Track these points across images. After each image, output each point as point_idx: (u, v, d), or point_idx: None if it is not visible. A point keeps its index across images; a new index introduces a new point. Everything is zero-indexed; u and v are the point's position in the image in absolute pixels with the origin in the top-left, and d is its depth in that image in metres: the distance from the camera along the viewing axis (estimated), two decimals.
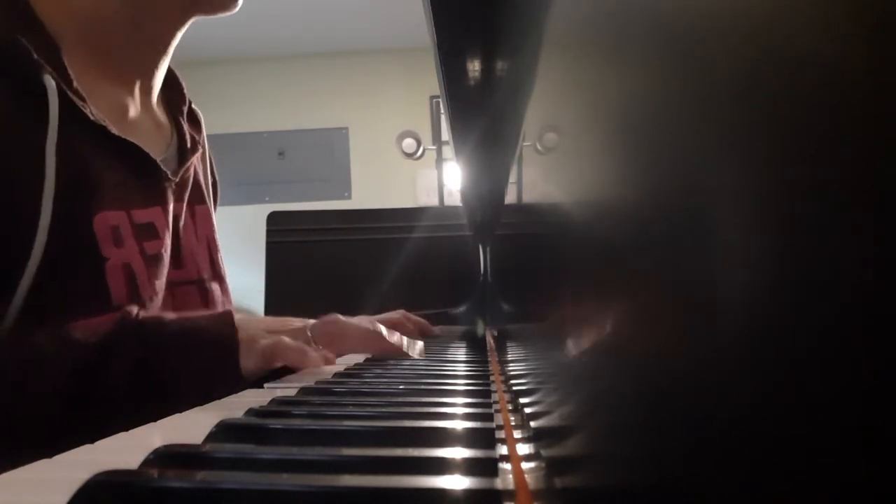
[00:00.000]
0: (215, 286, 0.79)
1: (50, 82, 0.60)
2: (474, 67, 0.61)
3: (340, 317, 0.69)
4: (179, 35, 0.75)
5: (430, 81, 0.92)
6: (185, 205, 0.76)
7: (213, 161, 0.94)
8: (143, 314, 0.60)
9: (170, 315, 0.62)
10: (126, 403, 0.55)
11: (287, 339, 0.62)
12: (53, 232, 0.58)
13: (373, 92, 3.95)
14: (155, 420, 0.42)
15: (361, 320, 0.96)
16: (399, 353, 0.74)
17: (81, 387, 0.55)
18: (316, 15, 3.48)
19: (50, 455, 0.32)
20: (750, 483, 0.09)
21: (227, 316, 0.62)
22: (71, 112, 0.62)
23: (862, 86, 0.06)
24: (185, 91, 0.84)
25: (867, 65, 0.06)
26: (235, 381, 0.58)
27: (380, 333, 0.70)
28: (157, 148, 0.75)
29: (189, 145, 0.79)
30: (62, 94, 0.61)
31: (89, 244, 0.62)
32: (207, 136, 0.90)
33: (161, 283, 0.69)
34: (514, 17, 0.47)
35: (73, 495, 0.24)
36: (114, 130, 0.65)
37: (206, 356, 0.59)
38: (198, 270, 0.77)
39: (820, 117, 0.07)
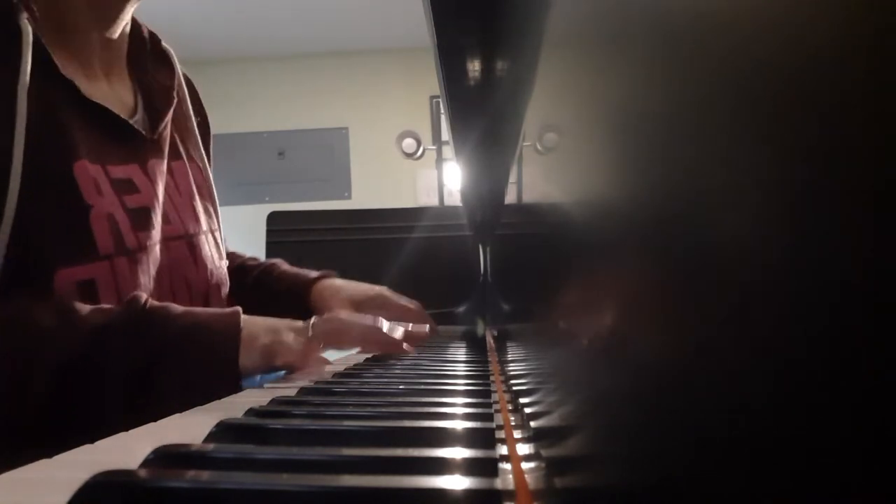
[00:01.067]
0: (203, 240, 0.79)
1: (26, 25, 0.59)
2: (474, 67, 0.61)
3: (342, 313, 0.69)
4: (131, 7, 0.72)
5: (430, 81, 0.93)
6: (165, 161, 0.75)
7: (200, 99, 0.90)
8: (151, 303, 0.60)
9: (177, 308, 0.61)
10: (122, 391, 0.55)
11: (287, 339, 0.61)
12: (29, 177, 0.57)
13: (373, 92, 3.95)
14: (153, 418, 0.42)
15: (382, 293, 0.95)
16: (399, 350, 0.74)
17: (80, 370, 0.54)
18: (316, 15, 3.48)
19: (49, 455, 0.32)
20: (750, 483, 0.09)
21: (234, 316, 0.62)
22: (44, 63, 0.61)
23: (862, 86, 0.06)
24: (146, 33, 0.80)
25: (867, 65, 0.06)
26: (234, 381, 0.58)
27: (380, 330, 0.70)
28: (126, 111, 0.73)
29: (161, 100, 0.77)
30: (37, 42, 0.60)
31: (71, 191, 0.61)
32: None
33: (149, 237, 0.68)
34: (514, 17, 0.47)
35: (73, 495, 0.24)
36: (83, 91, 0.65)
37: (205, 355, 0.59)
38: (184, 226, 0.76)
39: (820, 117, 0.07)
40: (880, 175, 0.06)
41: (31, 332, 0.55)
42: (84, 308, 0.57)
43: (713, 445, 0.10)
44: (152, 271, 0.68)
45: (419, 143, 3.06)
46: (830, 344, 0.07)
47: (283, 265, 1.01)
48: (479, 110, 0.70)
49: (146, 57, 0.79)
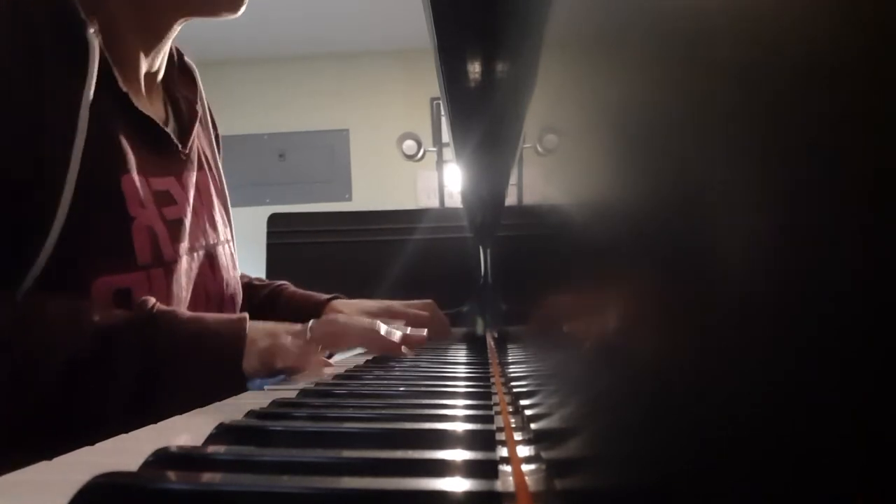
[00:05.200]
0: (220, 251, 0.80)
1: (93, 39, 0.61)
2: (475, 69, 0.61)
3: (340, 316, 0.69)
4: (177, 27, 0.74)
5: (430, 83, 0.92)
6: (194, 173, 0.77)
7: (210, 110, 0.93)
8: (158, 307, 0.61)
9: (184, 313, 0.62)
10: (127, 393, 0.56)
11: (285, 342, 0.62)
12: (81, 187, 0.59)
13: (373, 93, 3.95)
14: (155, 421, 0.42)
15: (392, 304, 0.96)
16: (397, 352, 0.74)
17: (87, 369, 0.55)
18: (317, 16, 3.49)
19: (49, 457, 0.32)
20: (750, 483, 0.09)
21: (241, 323, 0.63)
22: (105, 75, 0.63)
23: (862, 86, 0.06)
24: (173, 48, 0.82)
25: (867, 65, 0.06)
26: (238, 385, 0.58)
27: (378, 332, 0.70)
28: (160, 122, 0.75)
29: (188, 112, 0.79)
30: (101, 55, 0.62)
31: (117, 203, 0.63)
32: None
33: (183, 248, 0.70)
34: (514, 19, 0.47)
35: (73, 497, 0.24)
36: (136, 103, 0.67)
37: (210, 360, 0.60)
38: (205, 237, 0.78)
39: (819, 117, 0.07)
40: (880, 175, 0.06)
41: (42, 329, 0.55)
42: (95, 309, 0.58)
43: (713, 446, 0.10)
44: (183, 281, 0.70)
45: (420, 145, 3.06)
46: (829, 344, 0.07)
47: (291, 287, 1.02)
48: (480, 112, 0.70)
49: (174, 70, 0.82)
